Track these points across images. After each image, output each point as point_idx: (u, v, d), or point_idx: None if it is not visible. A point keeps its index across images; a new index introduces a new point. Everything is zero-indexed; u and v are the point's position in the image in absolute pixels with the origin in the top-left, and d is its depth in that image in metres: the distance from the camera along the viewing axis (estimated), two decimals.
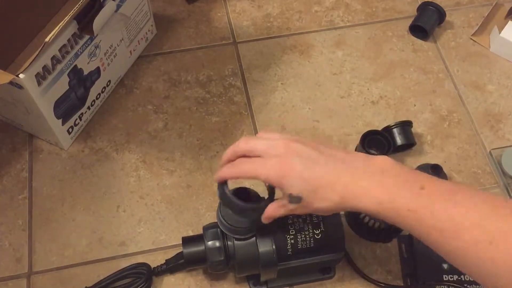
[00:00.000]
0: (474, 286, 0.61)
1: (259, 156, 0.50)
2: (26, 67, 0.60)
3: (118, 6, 0.71)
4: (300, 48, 0.86)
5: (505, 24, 0.85)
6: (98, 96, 0.76)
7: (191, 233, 0.69)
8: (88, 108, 0.75)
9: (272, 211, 0.52)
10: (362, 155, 0.49)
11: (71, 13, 0.62)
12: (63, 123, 0.71)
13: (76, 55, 0.68)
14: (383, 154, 0.56)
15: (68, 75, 0.68)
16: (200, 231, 0.61)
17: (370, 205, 0.46)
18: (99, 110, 0.78)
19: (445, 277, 0.62)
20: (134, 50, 0.81)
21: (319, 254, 0.59)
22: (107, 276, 0.63)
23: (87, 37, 0.68)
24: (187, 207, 0.71)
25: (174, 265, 0.64)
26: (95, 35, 0.68)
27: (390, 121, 0.75)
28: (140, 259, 0.67)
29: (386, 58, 0.85)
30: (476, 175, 0.74)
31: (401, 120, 0.75)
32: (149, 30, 0.84)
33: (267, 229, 0.58)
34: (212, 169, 0.74)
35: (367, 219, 0.65)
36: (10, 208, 0.70)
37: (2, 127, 0.76)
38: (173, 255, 0.64)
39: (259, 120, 0.78)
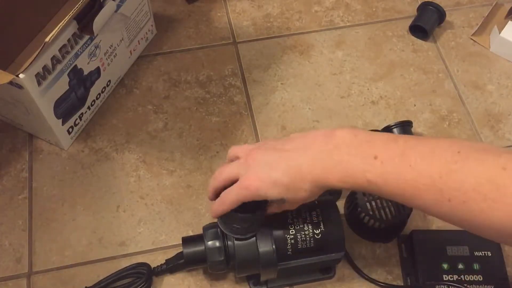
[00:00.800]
0: (474, 286, 0.61)
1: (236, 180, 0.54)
2: (26, 67, 0.60)
3: (118, 6, 0.71)
4: (300, 48, 0.86)
5: (505, 24, 0.85)
6: (98, 96, 0.76)
7: (191, 233, 0.69)
8: (88, 108, 0.75)
9: (270, 211, 0.57)
10: (321, 133, 0.51)
11: (71, 13, 0.62)
12: (63, 123, 0.71)
13: (76, 55, 0.68)
14: None
15: (68, 75, 0.68)
16: (200, 231, 0.61)
17: (336, 183, 0.49)
18: (99, 110, 0.78)
19: (445, 277, 0.62)
20: (134, 50, 0.81)
21: (319, 254, 0.59)
22: (107, 276, 0.63)
23: (87, 37, 0.68)
24: (187, 207, 0.71)
25: (174, 265, 0.64)
26: (95, 35, 0.68)
27: (390, 121, 0.75)
28: (140, 259, 0.67)
29: (386, 58, 0.85)
30: None
31: (401, 120, 0.75)
32: (149, 30, 0.84)
33: (267, 229, 0.58)
34: (212, 169, 0.74)
35: (367, 219, 0.65)
36: (10, 208, 0.70)
37: (2, 127, 0.76)
38: (173, 255, 0.64)
39: (259, 120, 0.78)
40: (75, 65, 0.68)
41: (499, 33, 0.84)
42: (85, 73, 0.71)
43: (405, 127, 0.74)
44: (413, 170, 0.45)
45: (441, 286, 0.61)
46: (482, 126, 0.79)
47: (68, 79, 0.68)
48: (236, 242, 0.58)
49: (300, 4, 0.91)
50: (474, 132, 0.78)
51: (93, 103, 0.76)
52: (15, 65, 0.68)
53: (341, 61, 0.85)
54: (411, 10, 0.90)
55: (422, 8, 0.88)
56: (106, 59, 0.74)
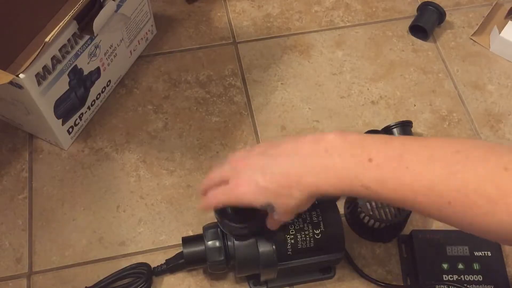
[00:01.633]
0: (474, 286, 0.61)
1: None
2: (26, 67, 0.60)
3: (118, 6, 0.71)
4: (300, 48, 0.86)
5: (505, 24, 0.85)
6: (98, 96, 0.76)
7: (191, 233, 0.69)
8: (88, 108, 0.75)
9: (271, 226, 0.56)
10: (310, 138, 0.49)
11: (71, 13, 0.62)
12: (63, 123, 0.71)
13: (76, 55, 0.68)
14: None
15: (68, 75, 0.68)
16: (200, 231, 0.61)
17: (328, 189, 0.46)
18: (99, 110, 0.78)
19: (445, 277, 0.62)
20: (134, 50, 0.81)
21: (319, 254, 0.59)
22: (107, 276, 0.63)
23: (87, 37, 0.68)
24: (187, 207, 0.71)
25: (174, 265, 0.64)
26: (95, 35, 0.68)
27: (390, 121, 0.75)
28: (140, 259, 0.67)
29: (386, 58, 0.85)
30: None
31: (401, 120, 0.75)
32: (149, 30, 0.84)
33: (267, 229, 0.58)
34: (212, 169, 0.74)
35: (367, 219, 0.65)
36: (10, 208, 0.70)
37: (2, 127, 0.76)
38: (173, 255, 0.64)
39: (259, 120, 0.78)
40: (75, 65, 0.68)
41: (499, 33, 0.84)
42: (85, 73, 0.71)
43: (405, 127, 0.74)
44: (412, 172, 0.43)
45: (441, 286, 0.61)
46: (482, 126, 0.79)
47: (68, 79, 0.68)
48: (236, 242, 0.58)
49: (300, 4, 0.91)
50: (474, 132, 0.78)
51: (93, 103, 0.76)
52: (15, 65, 0.68)
53: (341, 61, 0.85)
54: (411, 10, 0.90)
55: (422, 8, 0.88)
56: (106, 59, 0.74)
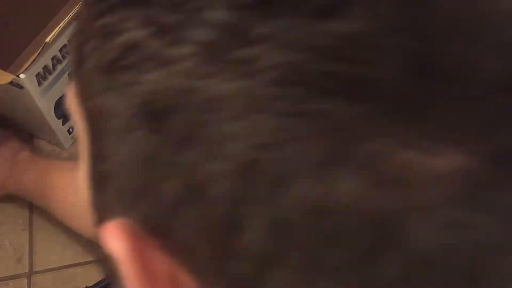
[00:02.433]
0: None
1: None
2: (27, 67, 0.60)
3: None
4: None
5: None
6: None
7: None
8: None
9: None
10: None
11: (71, 13, 0.62)
12: (63, 123, 0.71)
13: None
14: None
15: (69, 75, 0.68)
16: None
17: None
18: None
19: None
20: None
21: None
22: None
23: None
24: None
25: None
26: None
27: None
28: None
29: None
30: None
31: None
32: None
33: None
34: None
35: None
36: (10, 207, 0.70)
37: (2, 127, 0.76)
38: None
39: None
40: None
41: None
42: None
43: None
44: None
45: None
46: None
47: (69, 80, 0.68)
48: None
49: None
50: None
51: None
52: (15, 65, 0.68)
53: None
54: None
55: None
56: None
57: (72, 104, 0.23)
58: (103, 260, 0.22)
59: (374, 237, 0.16)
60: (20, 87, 0.61)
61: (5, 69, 0.62)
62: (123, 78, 0.19)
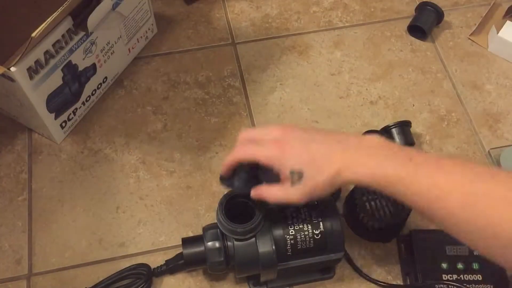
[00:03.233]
0: (473, 285, 0.61)
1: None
2: (17, 61, 0.60)
3: (116, 4, 0.71)
4: (299, 48, 0.86)
5: (503, 24, 0.85)
6: (93, 92, 0.76)
7: (190, 234, 0.69)
8: (83, 103, 0.75)
9: (269, 195, 0.54)
10: (354, 134, 0.53)
11: (61, 8, 0.62)
12: (56, 117, 0.71)
13: (71, 51, 0.68)
14: None
15: (62, 70, 0.68)
16: (200, 232, 0.61)
17: (364, 175, 0.49)
18: (99, 111, 0.78)
19: (445, 277, 0.62)
20: (133, 48, 0.81)
21: (319, 254, 0.59)
22: (107, 277, 0.63)
23: (82, 33, 0.68)
24: (186, 208, 0.71)
25: (174, 266, 0.64)
26: (89, 32, 0.68)
27: (389, 121, 0.76)
28: (140, 260, 0.67)
29: (384, 58, 0.86)
30: None
31: (400, 120, 0.75)
32: (149, 29, 0.84)
33: (267, 230, 0.58)
34: (212, 170, 0.74)
35: (366, 219, 0.65)
36: (10, 209, 0.70)
37: (2, 127, 0.76)
38: (173, 256, 0.64)
39: (258, 120, 0.78)
40: (70, 61, 0.68)
41: (497, 33, 0.85)
42: (80, 68, 0.71)
43: (404, 127, 0.74)
44: (447, 174, 0.46)
45: (441, 285, 0.62)
46: (480, 126, 0.79)
47: (62, 74, 0.68)
48: (235, 242, 0.58)
49: (298, 5, 0.91)
50: (472, 132, 0.78)
51: (88, 98, 0.76)
52: (10, 60, 0.68)
53: (339, 62, 0.85)
54: (409, 10, 0.90)
55: (420, 8, 0.88)
56: (103, 56, 0.74)
57: None
58: None
59: None
60: (11, 79, 0.62)
61: (2, 63, 0.62)
62: None
